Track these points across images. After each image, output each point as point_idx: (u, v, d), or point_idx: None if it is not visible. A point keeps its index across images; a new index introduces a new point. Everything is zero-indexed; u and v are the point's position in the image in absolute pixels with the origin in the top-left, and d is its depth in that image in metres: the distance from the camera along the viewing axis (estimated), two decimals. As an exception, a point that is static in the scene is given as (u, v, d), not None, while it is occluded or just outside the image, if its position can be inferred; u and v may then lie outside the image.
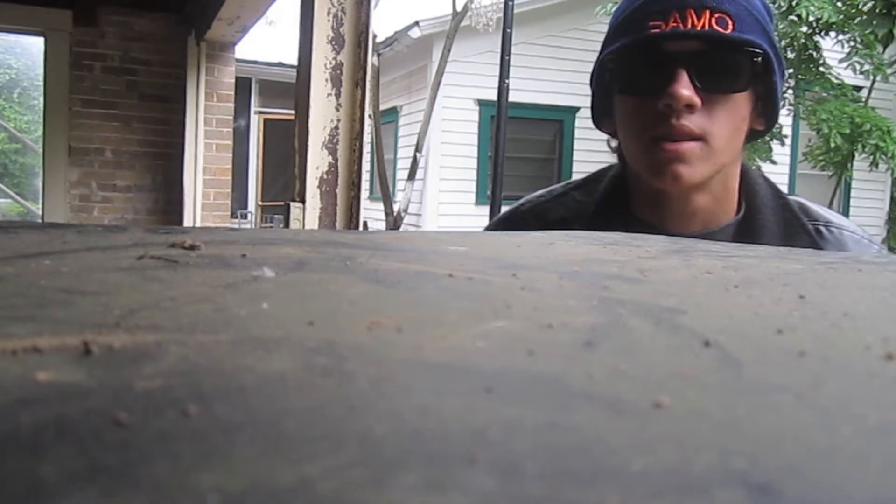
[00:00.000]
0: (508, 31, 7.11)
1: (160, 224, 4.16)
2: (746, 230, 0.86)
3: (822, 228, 0.88)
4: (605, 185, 0.92)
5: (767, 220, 0.87)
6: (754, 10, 0.80)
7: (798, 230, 0.87)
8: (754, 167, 0.94)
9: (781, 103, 0.87)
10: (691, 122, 0.77)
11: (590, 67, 0.93)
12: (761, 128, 0.86)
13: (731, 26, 0.77)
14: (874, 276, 0.54)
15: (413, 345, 0.28)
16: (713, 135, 0.78)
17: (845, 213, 9.30)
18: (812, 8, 6.52)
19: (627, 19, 0.82)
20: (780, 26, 6.89)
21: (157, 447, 0.17)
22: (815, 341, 0.31)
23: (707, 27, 0.77)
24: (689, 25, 0.77)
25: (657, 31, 0.78)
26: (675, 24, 0.77)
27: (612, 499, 0.15)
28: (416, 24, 8.69)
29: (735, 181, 0.87)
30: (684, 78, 0.77)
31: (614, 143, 0.91)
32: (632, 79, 0.82)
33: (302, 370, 0.24)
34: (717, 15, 0.77)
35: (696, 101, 0.77)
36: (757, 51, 0.79)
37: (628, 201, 0.90)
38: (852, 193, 9.26)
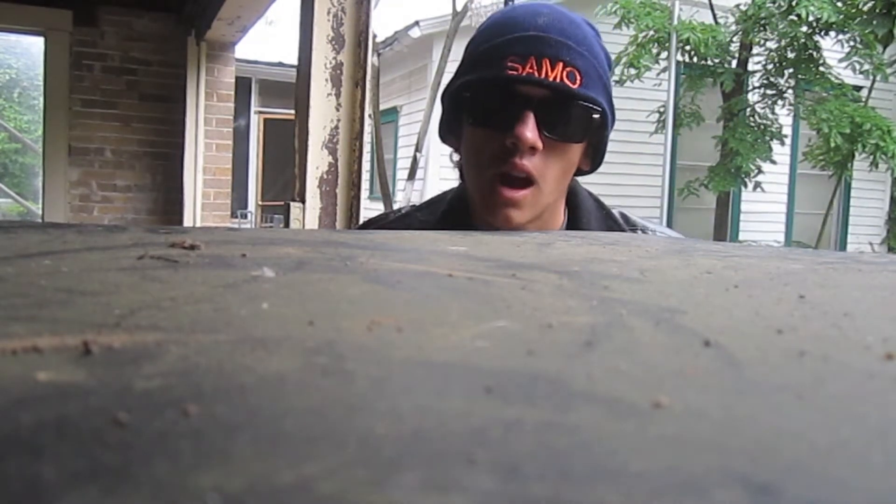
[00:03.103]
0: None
1: (160, 224, 4.15)
2: None
3: (640, 231, 0.99)
4: (448, 203, 1.00)
5: (591, 227, 0.97)
6: (599, 68, 0.87)
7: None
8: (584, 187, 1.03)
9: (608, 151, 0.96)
10: (531, 163, 0.84)
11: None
12: (587, 168, 0.94)
13: (578, 81, 0.84)
14: (874, 276, 0.54)
15: (413, 344, 0.28)
16: (545, 178, 0.86)
17: (845, 213, 9.29)
18: (812, 8, 6.51)
19: (488, 53, 0.87)
20: (780, 26, 6.89)
21: (157, 447, 0.17)
22: (815, 341, 0.31)
23: (558, 79, 0.83)
24: (543, 74, 0.83)
25: (514, 73, 0.84)
26: (530, 71, 0.83)
27: (612, 499, 0.15)
28: (416, 24, 8.69)
29: (561, 203, 0.96)
30: (531, 121, 0.83)
31: (456, 158, 0.98)
32: (483, 112, 0.88)
33: (302, 370, 0.24)
34: (568, 69, 0.84)
35: (539, 144, 0.83)
36: (596, 108, 0.86)
37: (469, 214, 0.96)
38: (852, 193, 9.24)
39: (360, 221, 1.89)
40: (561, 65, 0.83)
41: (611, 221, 0.99)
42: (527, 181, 0.85)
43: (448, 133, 0.96)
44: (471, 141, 0.89)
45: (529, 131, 0.82)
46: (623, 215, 1.01)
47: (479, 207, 0.90)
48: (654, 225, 1.03)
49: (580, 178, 0.99)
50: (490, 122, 0.86)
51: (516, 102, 0.83)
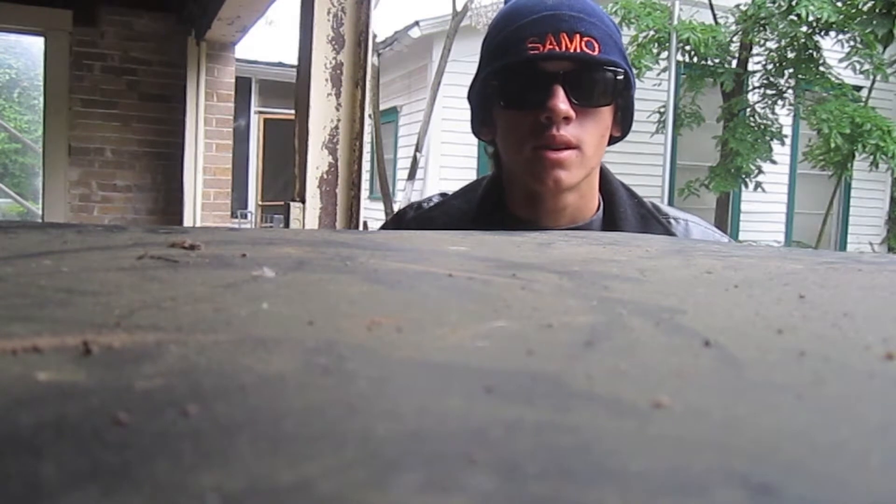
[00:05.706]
0: (508, 30, 7.09)
1: (160, 224, 4.15)
2: (610, 223, 1.00)
3: (672, 221, 1.03)
4: (483, 190, 1.04)
5: (627, 214, 1.01)
6: (613, 35, 0.93)
7: (652, 222, 1.02)
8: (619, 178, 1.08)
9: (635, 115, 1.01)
10: (568, 132, 0.89)
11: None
12: (618, 134, 0.99)
13: (597, 49, 0.90)
14: (874, 276, 0.54)
15: (413, 345, 0.28)
16: (585, 143, 0.90)
17: (845, 213, 9.29)
18: (812, 8, 6.51)
19: (506, 41, 0.92)
20: (780, 26, 6.88)
21: (157, 447, 0.17)
22: (815, 341, 0.31)
23: (578, 50, 0.89)
24: (563, 48, 0.89)
25: (535, 52, 0.89)
26: (551, 47, 0.89)
27: (612, 499, 0.15)
28: (416, 24, 8.68)
29: (597, 181, 1.00)
30: (561, 93, 0.88)
31: (490, 150, 1.03)
32: (515, 95, 0.93)
33: (302, 370, 0.24)
34: (585, 39, 0.89)
35: (572, 113, 0.88)
36: (619, 70, 0.92)
37: (505, 202, 1.01)
38: (852, 193, 9.23)
39: (360, 222, 1.90)
40: (578, 36, 0.88)
41: (643, 210, 1.02)
42: (567, 147, 0.89)
43: (481, 126, 1.01)
44: (506, 124, 0.94)
45: (561, 103, 0.87)
46: (654, 205, 1.05)
47: (528, 180, 0.93)
48: (686, 215, 1.06)
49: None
50: (522, 102, 0.91)
51: (544, 79, 0.88)
